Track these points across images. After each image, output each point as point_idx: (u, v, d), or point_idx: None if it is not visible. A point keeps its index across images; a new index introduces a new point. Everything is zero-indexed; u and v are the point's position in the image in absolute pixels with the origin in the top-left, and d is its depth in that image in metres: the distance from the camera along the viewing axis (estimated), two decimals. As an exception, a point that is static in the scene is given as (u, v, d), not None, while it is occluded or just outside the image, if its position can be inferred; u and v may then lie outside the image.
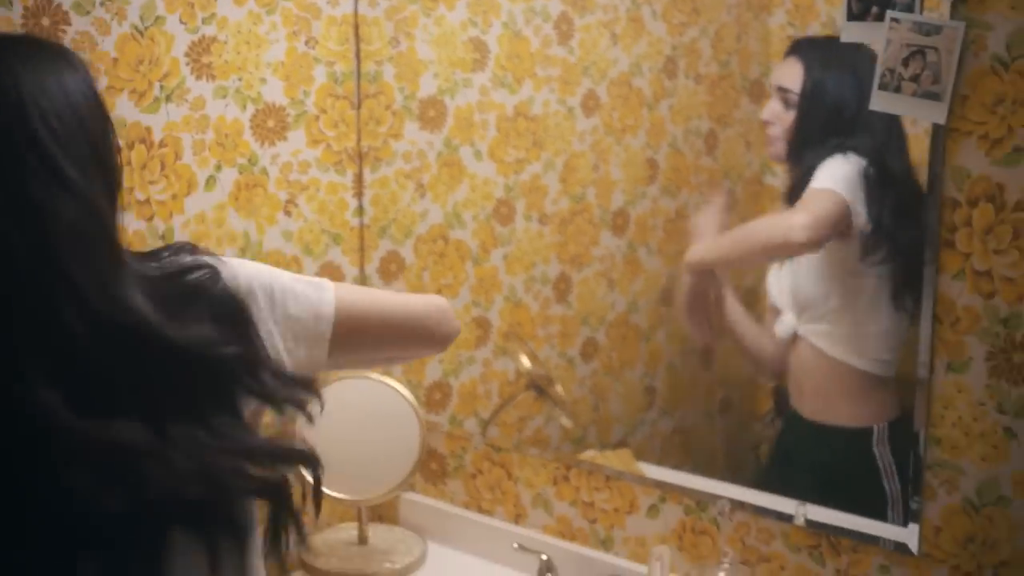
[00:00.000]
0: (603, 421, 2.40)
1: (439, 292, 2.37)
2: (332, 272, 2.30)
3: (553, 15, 2.29)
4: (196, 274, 1.21)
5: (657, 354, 2.40)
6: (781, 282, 2.03)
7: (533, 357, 2.34)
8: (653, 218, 2.37)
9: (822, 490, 1.85)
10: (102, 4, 1.82)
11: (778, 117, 2.00)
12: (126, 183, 1.87)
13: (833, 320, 1.93)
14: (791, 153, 2.01)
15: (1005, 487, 1.59)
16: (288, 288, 1.32)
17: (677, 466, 2.20)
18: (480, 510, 2.29)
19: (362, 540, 2.20)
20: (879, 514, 1.76)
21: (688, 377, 2.39)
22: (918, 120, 1.65)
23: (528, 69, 2.32)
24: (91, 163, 1.11)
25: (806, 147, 1.93)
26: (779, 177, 2.15)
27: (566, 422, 2.32)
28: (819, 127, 1.92)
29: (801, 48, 2.00)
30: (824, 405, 1.96)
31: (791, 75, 1.97)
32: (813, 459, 1.98)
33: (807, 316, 1.95)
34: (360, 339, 1.40)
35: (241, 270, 1.28)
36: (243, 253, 2.11)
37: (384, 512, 2.38)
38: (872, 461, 1.84)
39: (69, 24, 1.78)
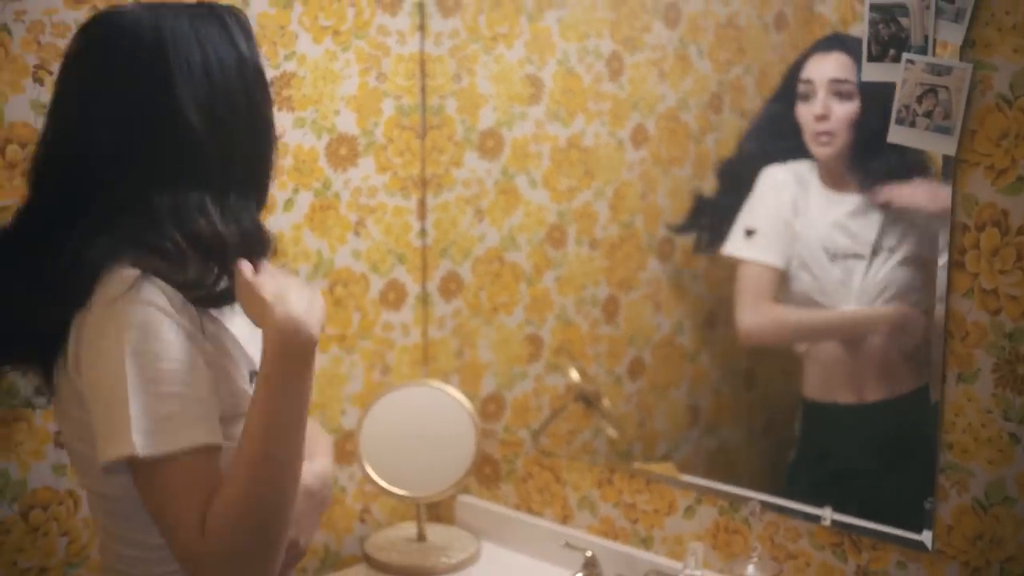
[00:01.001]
0: (648, 436, 2.44)
1: (495, 311, 2.47)
2: (396, 288, 2.44)
3: (605, 53, 2.36)
4: None
5: (701, 374, 2.43)
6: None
7: (582, 371, 2.42)
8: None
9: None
10: (196, 43, 2.01)
11: (833, 111, 2.00)
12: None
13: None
14: (857, 148, 2.00)
15: (1011, 488, 1.70)
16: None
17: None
18: (530, 511, 2.40)
19: (421, 537, 2.33)
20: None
21: (731, 398, 2.41)
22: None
23: (580, 104, 2.39)
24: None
25: (874, 140, 1.81)
26: None
27: (612, 432, 2.40)
28: (883, 119, 1.77)
29: (844, 43, 1.98)
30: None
31: (841, 66, 1.98)
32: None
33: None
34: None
35: None
36: (316, 270, 2.26)
37: (441, 513, 2.51)
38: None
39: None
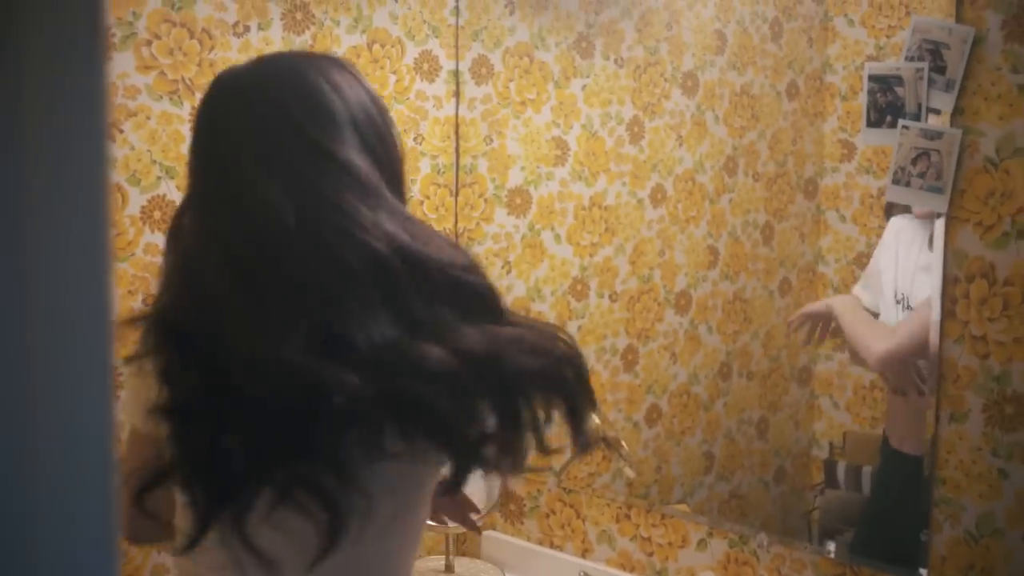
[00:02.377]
0: (664, 481, 2.52)
1: None
2: None
3: (626, 118, 2.49)
4: None
5: (715, 423, 2.50)
6: None
7: (602, 416, 2.53)
8: (713, 299, 2.49)
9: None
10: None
11: None
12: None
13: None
14: None
15: (999, 521, 1.84)
16: None
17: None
18: (552, 545, 2.53)
19: (448, 569, 2.45)
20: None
21: (744, 446, 2.48)
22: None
23: (603, 165, 2.51)
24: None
25: None
26: (831, 266, 2.27)
27: (630, 473, 2.50)
28: None
29: None
30: None
31: None
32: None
33: None
34: None
35: None
36: None
37: (468, 548, 2.64)
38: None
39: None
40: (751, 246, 2.45)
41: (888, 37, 2.04)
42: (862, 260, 2.21)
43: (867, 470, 2.19)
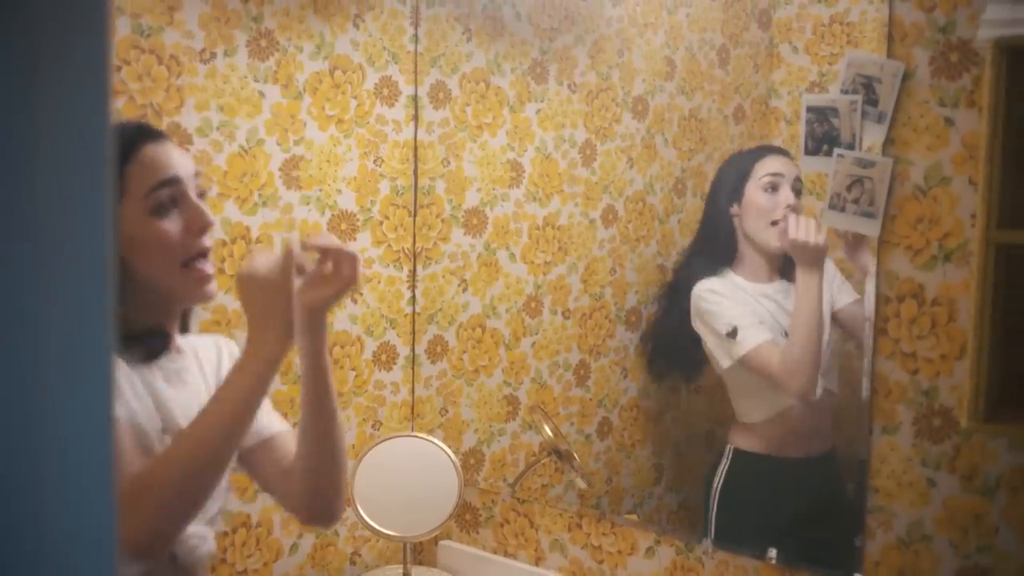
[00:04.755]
0: (615, 492, 2.58)
1: (476, 372, 2.67)
2: (388, 350, 2.65)
3: (579, 141, 2.56)
4: None
5: (665, 436, 2.57)
6: None
7: (554, 428, 2.60)
8: None
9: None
10: (217, 128, 2.26)
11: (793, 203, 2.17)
12: (228, 271, 2.27)
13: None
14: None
15: (928, 527, 1.95)
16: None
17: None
18: (506, 554, 2.61)
19: (406, 578, 2.55)
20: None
21: (693, 458, 2.53)
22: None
23: (556, 186, 2.59)
24: None
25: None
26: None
27: (581, 483, 2.58)
28: None
29: (781, 150, 2.21)
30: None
31: (792, 166, 2.16)
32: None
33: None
34: (257, 469, 1.72)
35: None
36: None
37: (425, 557, 2.71)
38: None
39: (192, 144, 2.20)
40: (699, 265, 2.51)
41: (830, 64, 2.12)
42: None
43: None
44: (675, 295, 2.41)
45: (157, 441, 1.52)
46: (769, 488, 2.31)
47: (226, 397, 1.43)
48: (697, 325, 2.32)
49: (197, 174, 1.55)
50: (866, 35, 2.03)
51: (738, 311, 2.26)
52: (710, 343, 2.30)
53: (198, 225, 1.51)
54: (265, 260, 1.48)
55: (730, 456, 2.31)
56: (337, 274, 1.51)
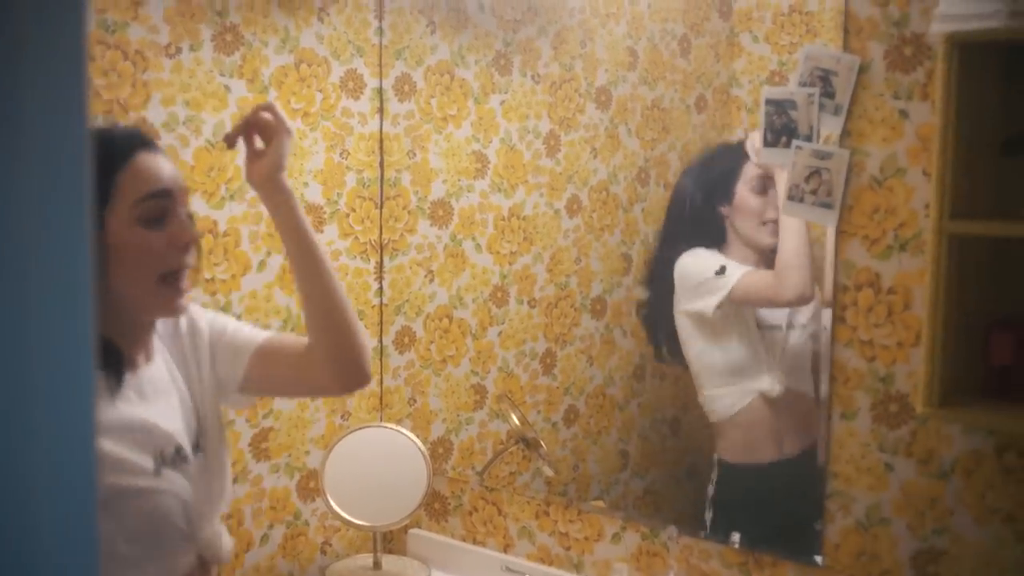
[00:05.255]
0: (582, 479, 2.62)
1: (444, 362, 2.71)
2: None
3: (543, 132, 2.58)
4: None
5: (630, 422, 2.59)
6: None
7: (521, 417, 2.64)
8: (627, 305, 2.58)
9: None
10: (185, 123, 2.27)
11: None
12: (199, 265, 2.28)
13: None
14: None
15: (886, 510, 1.99)
16: (231, 324, 1.74)
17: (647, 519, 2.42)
18: (475, 542, 2.64)
19: (376, 566, 2.55)
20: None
21: (658, 444, 2.58)
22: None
23: (521, 177, 2.61)
24: None
25: None
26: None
27: (548, 471, 2.61)
28: None
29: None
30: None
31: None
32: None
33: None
34: (269, 381, 1.76)
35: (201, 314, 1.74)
36: (286, 324, 2.49)
37: (395, 545, 2.74)
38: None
39: (159, 139, 2.20)
40: (662, 252, 2.53)
41: (790, 53, 2.15)
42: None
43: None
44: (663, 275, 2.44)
45: (154, 459, 1.52)
46: (756, 493, 2.33)
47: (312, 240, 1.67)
48: (680, 290, 2.36)
49: (185, 190, 1.57)
50: (824, 25, 2.06)
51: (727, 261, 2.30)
52: (691, 298, 2.33)
53: (183, 240, 1.53)
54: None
55: (718, 467, 2.35)
56: (267, 140, 1.67)
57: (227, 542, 1.65)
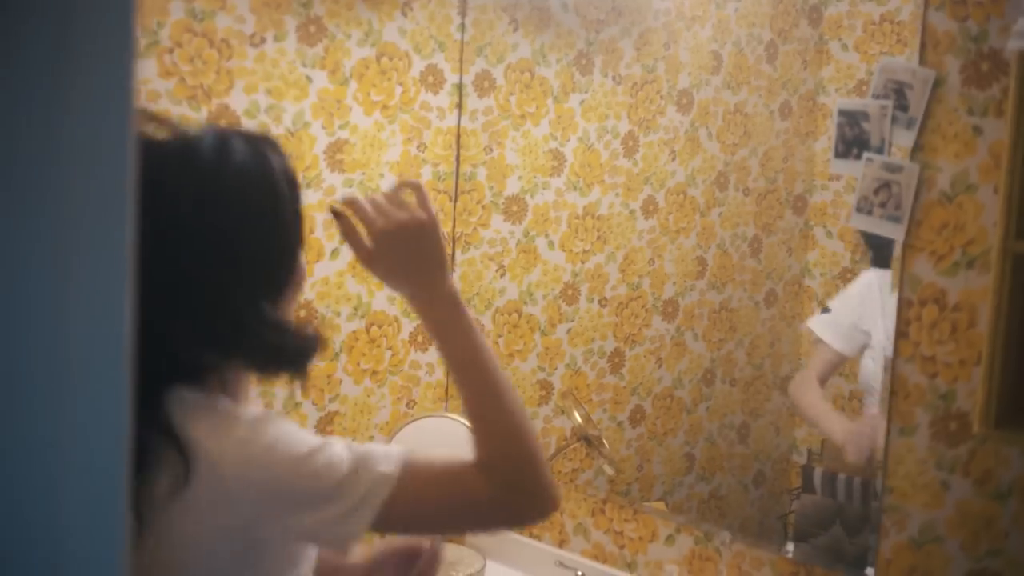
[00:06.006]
0: (646, 479, 2.64)
1: (511, 357, 2.71)
2: (424, 331, 2.70)
3: (621, 133, 2.60)
4: None
5: (698, 426, 2.61)
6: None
7: (584, 415, 2.64)
8: (700, 308, 2.60)
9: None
10: (266, 111, 2.32)
11: None
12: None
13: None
14: None
15: (940, 528, 1.97)
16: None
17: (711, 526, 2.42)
18: (531, 535, 2.67)
19: (434, 553, 2.60)
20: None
21: (725, 449, 2.58)
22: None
23: (597, 176, 2.62)
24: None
25: None
26: (816, 279, 2.37)
27: (609, 469, 2.63)
28: None
29: None
30: None
31: None
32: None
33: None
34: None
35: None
36: (355, 311, 2.54)
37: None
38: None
39: (240, 126, 2.27)
40: (739, 258, 2.56)
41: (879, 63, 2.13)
42: (847, 275, 2.31)
43: (842, 477, 2.29)
44: None
45: None
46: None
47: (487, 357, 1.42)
48: None
49: None
50: (916, 34, 2.04)
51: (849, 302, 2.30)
52: None
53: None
54: (396, 203, 1.42)
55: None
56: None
57: None
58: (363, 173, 2.52)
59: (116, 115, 0.55)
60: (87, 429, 0.55)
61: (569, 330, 2.69)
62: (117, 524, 0.57)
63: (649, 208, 2.61)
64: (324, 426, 2.53)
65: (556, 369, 2.71)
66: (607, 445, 2.64)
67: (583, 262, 2.67)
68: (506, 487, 1.36)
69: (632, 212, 2.62)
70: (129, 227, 0.55)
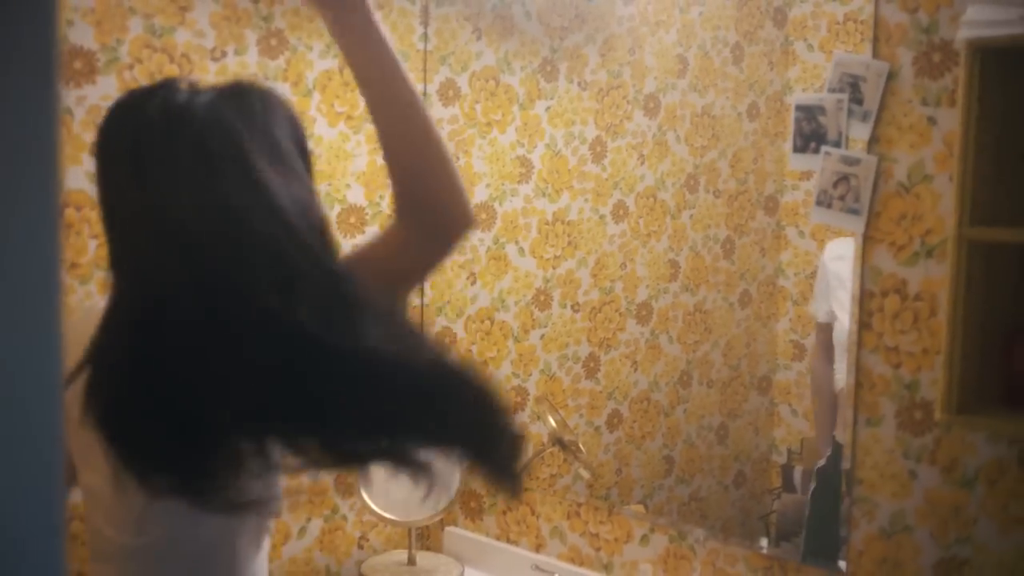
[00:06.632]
0: (625, 483, 2.63)
1: (485, 363, 2.69)
2: None
3: (589, 138, 2.60)
4: None
5: (676, 428, 2.60)
6: None
7: (560, 420, 2.64)
8: (674, 311, 2.59)
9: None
10: (228, 124, 2.33)
11: None
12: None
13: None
14: None
15: (909, 518, 1.98)
16: None
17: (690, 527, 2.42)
18: (508, 540, 2.67)
19: (411, 562, 2.59)
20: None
21: (704, 451, 2.57)
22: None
23: (566, 182, 2.63)
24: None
25: None
26: (790, 279, 2.38)
27: (585, 474, 2.62)
28: None
29: None
30: None
31: None
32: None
33: None
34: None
35: None
36: None
37: (430, 541, 2.78)
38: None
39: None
40: (712, 260, 2.56)
41: (844, 62, 2.15)
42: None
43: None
44: None
45: None
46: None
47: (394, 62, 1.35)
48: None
49: None
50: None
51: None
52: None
53: None
54: None
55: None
56: None
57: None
58: (329, 184, 2.53)
59: (41, 116, 0.53)
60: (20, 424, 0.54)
61: (543, 336, 2.69)
62: (56, 510, 0.55)
63: (619, 212, 2.61)
64: (298, 438, 2.53)
65: (531, 375, 2.71)
66: (583, 450, 2.64)
67: (554, 268, 2.67)
68: (424, 226, 1.40)
69: (602, 217, 2.62)
70: (55, 223, 0.54)
